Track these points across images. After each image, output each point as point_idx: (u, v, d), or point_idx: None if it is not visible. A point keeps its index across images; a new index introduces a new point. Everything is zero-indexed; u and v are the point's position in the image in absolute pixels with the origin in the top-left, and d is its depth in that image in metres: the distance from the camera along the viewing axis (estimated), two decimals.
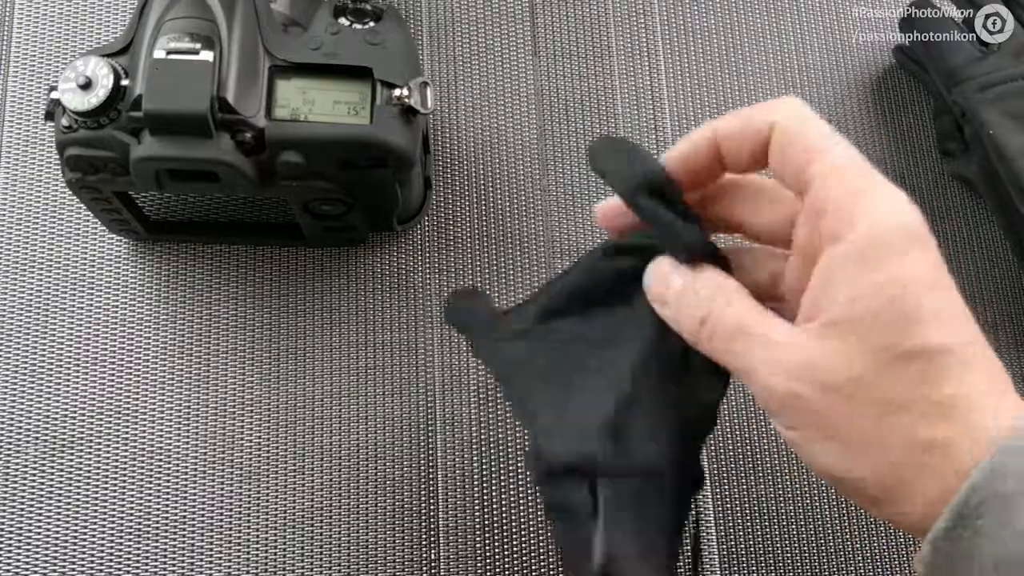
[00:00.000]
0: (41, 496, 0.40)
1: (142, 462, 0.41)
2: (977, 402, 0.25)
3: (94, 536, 0.40)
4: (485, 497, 0.41)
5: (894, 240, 0.25)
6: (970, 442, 0.24)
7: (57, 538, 0.40)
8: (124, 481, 0.41)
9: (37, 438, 0.41)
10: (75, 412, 0.41)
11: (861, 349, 0.25)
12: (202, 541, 0.40)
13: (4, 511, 0.40)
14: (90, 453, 0.41)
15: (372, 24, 0.38)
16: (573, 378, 0.31)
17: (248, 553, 0.40)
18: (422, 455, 0.42)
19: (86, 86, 0.34)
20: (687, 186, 0.30)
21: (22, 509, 0.40)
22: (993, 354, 0.26)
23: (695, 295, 0.28)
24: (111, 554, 0.40)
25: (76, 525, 0.40)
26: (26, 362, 0.42)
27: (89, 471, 0.41)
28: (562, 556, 0.32)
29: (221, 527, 0.40)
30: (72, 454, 0.41)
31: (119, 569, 0.40)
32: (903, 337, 0.24)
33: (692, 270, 0.28)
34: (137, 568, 0.40)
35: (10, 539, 0.40)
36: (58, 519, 0.40)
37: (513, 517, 0.41)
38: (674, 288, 0.29)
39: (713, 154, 0.29)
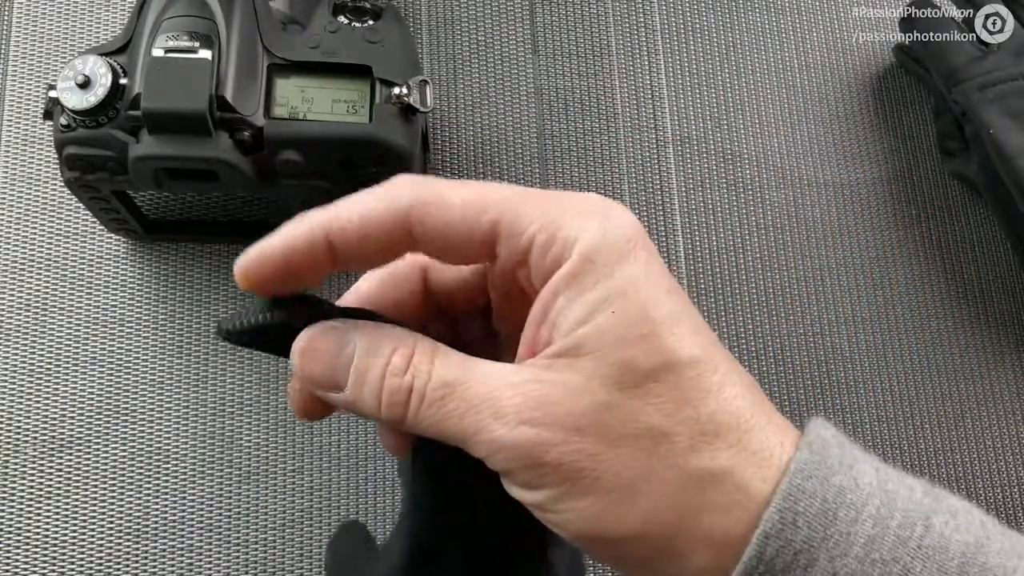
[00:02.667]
0: (40, 496, 0.40)
1: (141, 462, 0.41)
2: (749, 421, 0.21)
3: (93, 536, 0.40)
4: None
5: (615, 248, 0.21)
6: (754, 470, 0.20)
7: (56, 538, 0.40)
8: (123, 481, 0.40)
9: (36, 438, 0.41)
10: (74, 412, 0.41)
11: (602, 373, 0.20)
12: (201, 541, 0.40)
13: (3, 511, 0.40)
14: (89, 453, 0.41)
15: (371, 22, 0.38)
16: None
17: (247, 553, 0.40)
18: None
19: (85, 85, 0.34)
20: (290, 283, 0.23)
21: (21, 509, 0.40)
22: (740, 366, 0.22)
23: (380, 363, 0.22)
24: (110, 554, 0.40)
25: (75, 525, 0.40)
26: (25, 361, 0.42)
27: (88, 471, 0.41)
28: None
29: (220, 527, 0.40)
30: (71, 454, 0.41)
31: (118, 569, 0.39)
32: (647, 352, 0.21)
33: (368, 331, 0.22)
34: (136, 568, 0.40)
35: (9, 539, 0.40)
36: (57, 519, 0.40)
37: None
38: (355, 363, 0.22)
39: (321, 251, 0.22)
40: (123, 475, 0.41)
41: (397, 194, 0.22)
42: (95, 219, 0.42)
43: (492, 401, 0.21)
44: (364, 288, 0.25)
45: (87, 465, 0.41)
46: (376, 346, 0.22)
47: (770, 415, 0.22)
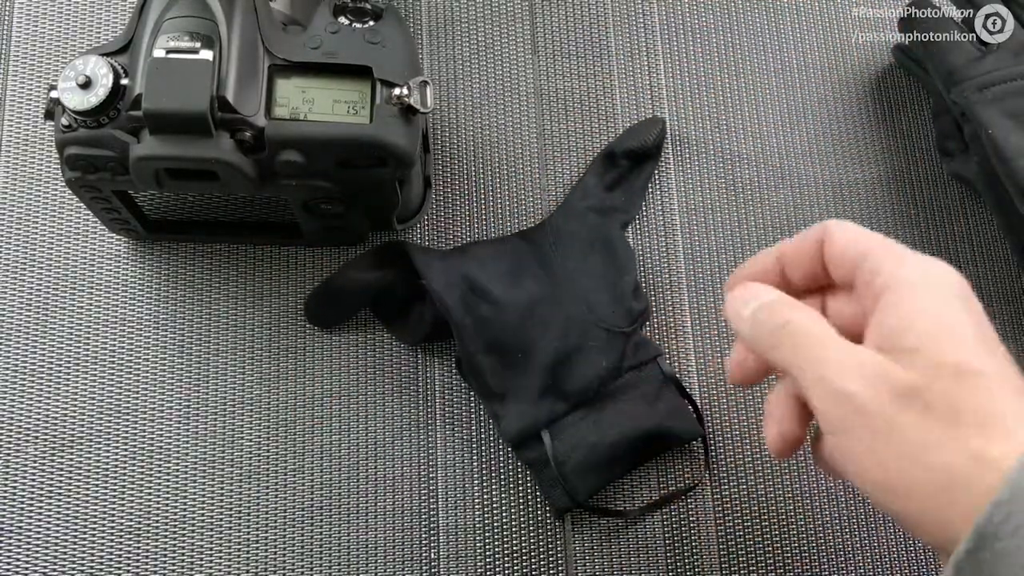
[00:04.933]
0: (41, 495, 0.40)
1: (141, 461, 0.41)
2: (1008, 408, 0.26)
3: (94, 535, 0.40)
4: (485, 496, 0.41)
5: (935, 282, 0.28)
6: (1015, 458, 0.25)
7: (57, 537, 0.40)
8: (124, 480, 0.41)
9: (37, 437, 0.41)
10: (75, 411, 0.41)
11: (925, 364, 0.27)
12: (201, 540, 0.40)
13: (4, 510, 0.40)
14: (90, 452, 0.41)
15: (372, 23, 0.38)
16: (515, 348, 0.41)
17: (248, 552, 0.40)
18: (422, 454, 0.42)
19: (86, 85, 0.34)
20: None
21: (22, 509, 0.40)
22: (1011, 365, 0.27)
23: (773, 309, 0.31)
24: (111, 553, 0.40)
25: (76, 524, 0.40)
26: (26, 361, 0.42)
27: (89, 470, 0.41)
28: (539, 490, 0.41)
29: (220, 526, 0.40)
30: (72, 453, 0.41)
31: (119, 568, 0.40)
32: (959, 357, 0.27)
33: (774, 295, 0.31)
34: (137, 567, 0.40)
35: (10, 538, 0.40)
36: (58, 518, 0.40)
37: (513, 517, 0.41)
38: (758, 301, 0.31)
39: (778, 274, 0.33)
40: (124, 474, 0.41)
41: (817, 232, 0.32)
42: (96, 219, 0.42)
43: (847, 360, 0.28)
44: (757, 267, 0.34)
45: (88, 464, 0.41)
46: (769, 303, 0.31)
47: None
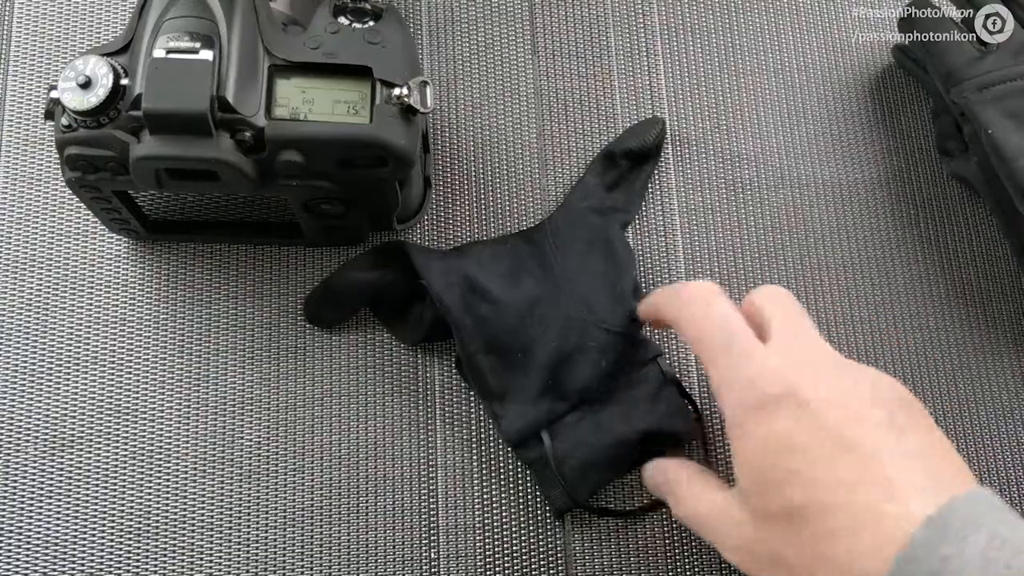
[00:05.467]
0: (41, 495, 0.40)
1: (142, 461, 0.41)
2: (858, 543, 0.27)
3: (94, 535, 0.40)
4: (485, 496, 0.41)
5: (747, 410, 0.30)
6: (885, 543, 0.26)
7: (57, 537, 0.40)
8: (124, 480, 0.41)
9: (37, 437, 0.41)
10: (75, 411, 0.41)
11: (749, 515, 0.30)
12: (201, 540, 0.40)
13: (4, 510, 0.40)
14: (90, 452, 0.41)
15: (372, 23, 0.38)
16: (514, 348, 0.41)
17: (248, 552, 0.40)
18: (422, 454, 0.42)
19: (86, 85, 0.34)
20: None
21: (22, 508, 0.40)
22: (894, 465, 0.28)
23: (671, 488, 0.36)
24: (111, 553, 0.40)
25: (76, 524, 0.40)
26: (26, 361, 0.42)
27: (89, 470, 0.41)
28: (539, 490, 0.41)
29: (221, 526, 0.40)
30: (72, 453, 0.41)
31: (119, 568, 0.40)
32: (771, 499, 0.29)
33: (673, 470, 0.37)
34: (137, 567, 0.40)
35: (10, 538, 0.40)
36: (58, 518, 0.40)
37: (513, 516, 0.41)
38: (658, 484, 0.38)
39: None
40: (123, 474, 0.41)
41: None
42: (96, 219, 0.42)
43: (719, 533, 0.32)
44: None
45: (87, 464, 0.41)
46: (669, 487, 0.37)
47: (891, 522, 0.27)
